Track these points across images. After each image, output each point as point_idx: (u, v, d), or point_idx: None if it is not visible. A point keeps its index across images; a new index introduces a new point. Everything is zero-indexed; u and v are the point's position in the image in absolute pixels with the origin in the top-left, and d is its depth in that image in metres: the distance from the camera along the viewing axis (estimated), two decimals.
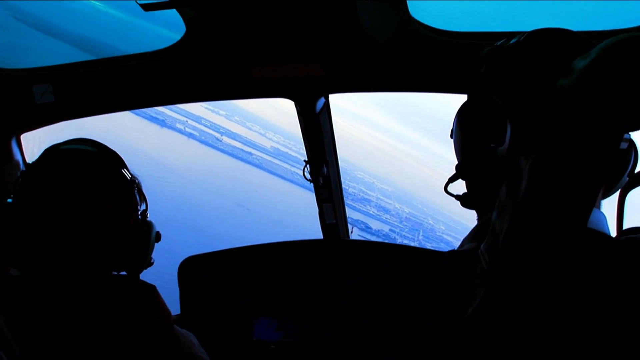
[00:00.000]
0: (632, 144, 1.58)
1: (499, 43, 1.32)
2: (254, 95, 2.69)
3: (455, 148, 1.90)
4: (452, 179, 1.88)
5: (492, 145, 1.38)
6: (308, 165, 3.10)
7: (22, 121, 2.78)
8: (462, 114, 1.84)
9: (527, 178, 1.11)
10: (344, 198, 3.57)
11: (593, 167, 1.05)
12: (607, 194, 1.67)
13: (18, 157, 2.84)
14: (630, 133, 1.50)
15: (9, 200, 1.65)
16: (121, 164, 1.81)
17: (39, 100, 2.56)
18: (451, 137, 1.98)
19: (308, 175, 3.13)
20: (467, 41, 2.14)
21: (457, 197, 1.96)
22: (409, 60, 2.26)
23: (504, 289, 1.15)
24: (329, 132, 3.01)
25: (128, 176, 1.81)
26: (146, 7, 1.96)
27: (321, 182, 3.15)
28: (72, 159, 1.68)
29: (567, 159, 1.05)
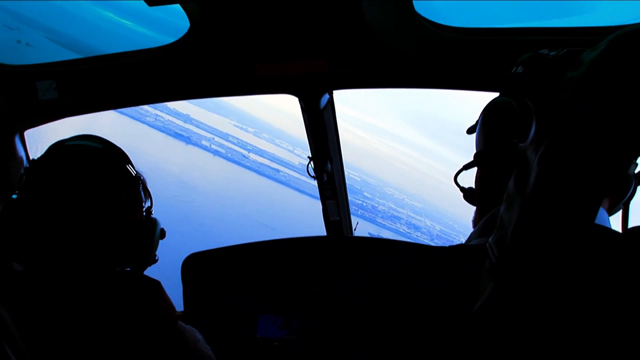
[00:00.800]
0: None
1: (542, 52, 1.34)
2: (259, 92, 2.69)
3: (476, 140, 1.92)
4: (466, 167, 1.90)
5: (514, 140, 1.40)
6: (312, 162, 3.09)
7: (26, 117, 2.81)
8: (489, 109, 1.86)
9: (535, 171, 1.11)
10: (348, 194, 3.56)
11: (602, 158, 1.03)
12: (611, 211, 1.66)
13: (22, 153, 2.87)
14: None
15: (14, 196, 1.65)
16: (126, 160, 1.81)
17: (42, 96, 2.58)
18: (468, 132, 2.00)
19: (312, 172, 3.09)
20: (472, 37, 2.14)
21: (462, 188, 1.98)
22: (414, 56, 2.25)
23: (513, 282, 1.15)
24: (332, 129, 2.99)
25: (133, 173, 1.81)
26: (151, 2, 1.96)
27: (325, 178, 3.14)
28: (77, 156, 1.68)
29: (576, 150, 1.04)
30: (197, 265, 3.30)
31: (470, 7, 2.25)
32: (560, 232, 1.08)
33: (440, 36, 2.14)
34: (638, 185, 1.68)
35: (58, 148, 1.70)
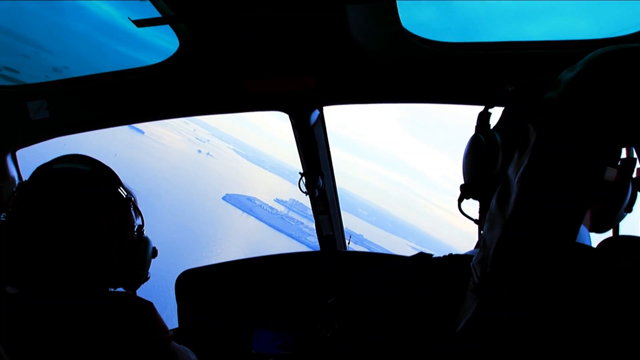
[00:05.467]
0: (629, 177, 1.55)
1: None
2: (249, 109, 2.70)
3: (462, 171, 1.94)
4: (459, 200, 1.91)
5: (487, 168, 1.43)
6: (304, 178, 3.08)
7: (18, 137, 2.80)
8: (469, 144, 1.88)
9: (515, 192, 1.11)
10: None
11: (581, 178, 1.05)
12: (601, 226, 1.62)
13: (14, 173, 2.86)
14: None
15: (2, 218, 1.65)
16: (116, 181, 1.80)
17: (34, 116, 2.58)
18: None
19: (304, 188, 3.10)
20: (459, 51, 2.15)
21: (475, 220, 1.99)
22: (402, 71, 2.26)
23: (495, 302, 1.14)
24: (323, 144, 3.01)
25: (124, 194, 1.80)
26: (139, 23, 1.97)
27: (317, 194, 3.13)
28: (67, 179, 1.68)
29: (555, 171, 1.06)
30: (191, 282, 3.29)
31: (457, 22, 2.27)
32: (541, 252, 1.08)
33: (427, 51, 2.15)
34: (637, 191, 1.63)
35: (45, 172, 1.69)
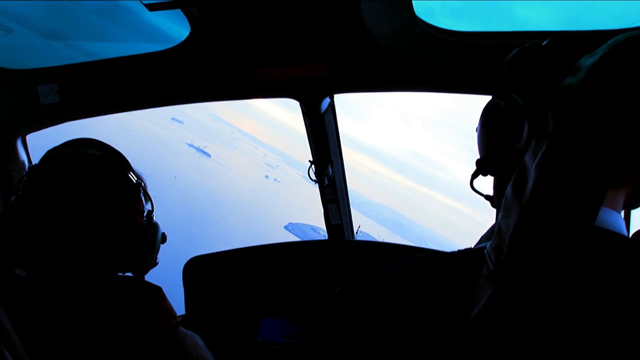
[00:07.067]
0: None
1: (527, 45, 1.32)
2: (260, 95, 2.69)
3: (477, 144, 1.90)
4: (474, 175, 1.88)
5: (509, 142, 1.38)
6: (313, 166, 3.08)
7: (28, 121, 2.81)
8: (486, 111, 1.85)
9: (533, 178, 1.10)
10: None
11: (600, 166, 1.03)
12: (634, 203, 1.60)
13: (24, 157, 2.88)
14: None
15: (12, 200, 1.64)
16: (127, 167, 1.79)
17: (44, 100, 2.58)
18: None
19: (313, 176, 3.09)
20: (473, 41, 2.13)
21: (486, 197, 1.96)
22: (414, 60, 2.24)
23: (510, 289, 1.13)
24: (333, 133, 3.00)
25: (134, 179, 1.79)
26: (151, 7, 1.96)
27: (326, 182, 3.12)
28: (77, 164, 1.67)
29: (575, 159, 1.03)
30: (198, 269, 3.30)
31: (471, 10, 2.25)
32: (558, 238, 1.06)
33: (440, 40, 2.13)
34: None
35: (57, 154, 1.69)
